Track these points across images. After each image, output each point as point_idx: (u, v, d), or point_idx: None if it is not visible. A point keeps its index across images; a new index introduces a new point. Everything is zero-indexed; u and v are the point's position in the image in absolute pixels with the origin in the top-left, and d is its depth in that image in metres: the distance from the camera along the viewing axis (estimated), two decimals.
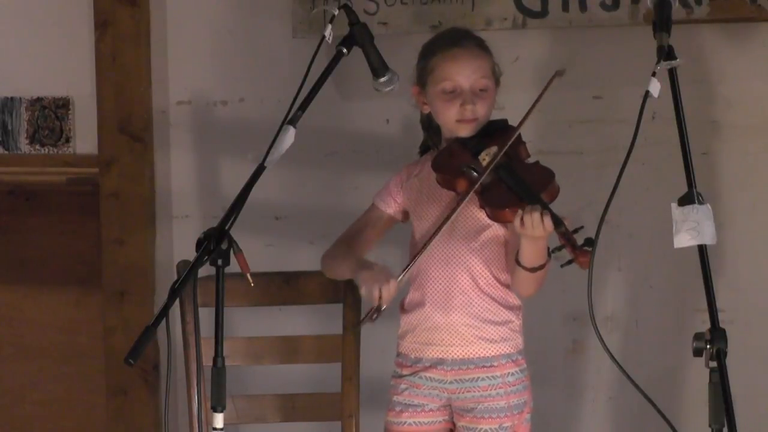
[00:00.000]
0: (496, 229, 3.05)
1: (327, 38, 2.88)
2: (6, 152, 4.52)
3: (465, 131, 3.07)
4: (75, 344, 4.51)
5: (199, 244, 2.69)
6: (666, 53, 2.68)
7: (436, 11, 3.86)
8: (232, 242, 2.69)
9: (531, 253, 2.93)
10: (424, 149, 3.23)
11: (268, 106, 3.97)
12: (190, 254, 2.70)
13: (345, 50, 2.87)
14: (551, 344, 3.92)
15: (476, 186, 2.96)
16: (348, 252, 3.15)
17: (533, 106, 3.03)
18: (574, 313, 3.88)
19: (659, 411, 2.62)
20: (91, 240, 4.30)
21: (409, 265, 3.03)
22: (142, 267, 4.17)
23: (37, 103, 4.47)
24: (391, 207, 3.20)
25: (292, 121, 2.77)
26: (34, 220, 4.55)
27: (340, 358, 3.36)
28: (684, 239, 2.57)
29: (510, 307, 3.10)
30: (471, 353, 3.07)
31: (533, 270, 2.96)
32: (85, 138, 4.40)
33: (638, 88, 2.70)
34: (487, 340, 3.07)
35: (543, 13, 3.80)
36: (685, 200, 2.60)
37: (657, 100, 2.68)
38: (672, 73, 2.67)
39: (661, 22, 2.74)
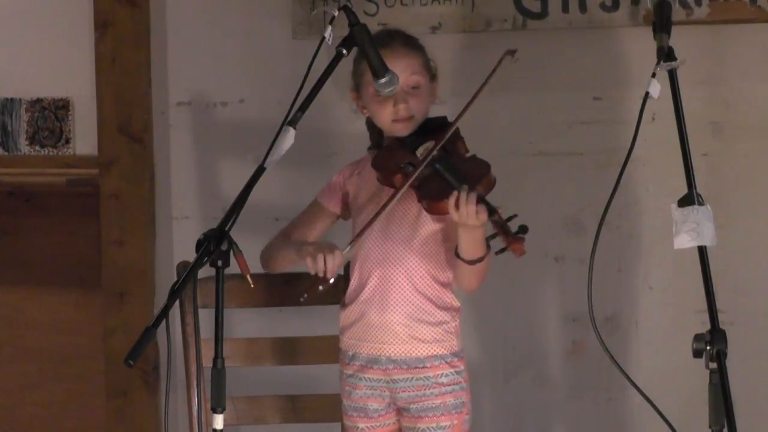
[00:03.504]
0: (434, 227, 3.04)
1: (327, 39, 2.87)
2: (6, 153, 4.52)
3: (402, 130, 3.07)
4: (75, 345, 4.51)
5: (199, 245, 2.68)
6: (666, 54, 2.68)
7: (435, 12, 3.87)
8: (232, 243, 2.68)
9: (469, 244, 2.94)
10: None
11: (268, 107, 3.96)
12: (190, 255, 2.70)
13: (345, 51, 2.87)
14: (551, 344, 3.92)
15: (413, 179, 2.96)
16: (288, 241, 3.15)
17: (479, 90, 3.00)
18: (574, 313, 3.88)
19: (659, 412, 2.63)
20: (91, 241, 4.30)
21: (353, 240, 3.01)
22: (142, 268, 4.16)
23: (36, 104, 4.48)
24: (332, 202, 3.19)
25: (292, 122, 2.76)
26: (34, 222, 4.55)
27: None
28: (684, 240, 2.57)
29: (446, 308, 3.08)
30: (403, 352, 3.06)
31: (473, 262, 2.96)
32: (85, 139, 4.40)
33: (638, 89, 2.71)
34: (420, 340, 3.05)
35: (543, 14, 3.80)
36: (685, 201, 2.60)
37: (657, 101, 2.68)
38: (672, 74, 2.67)
39: (661, 23, 2.74)
